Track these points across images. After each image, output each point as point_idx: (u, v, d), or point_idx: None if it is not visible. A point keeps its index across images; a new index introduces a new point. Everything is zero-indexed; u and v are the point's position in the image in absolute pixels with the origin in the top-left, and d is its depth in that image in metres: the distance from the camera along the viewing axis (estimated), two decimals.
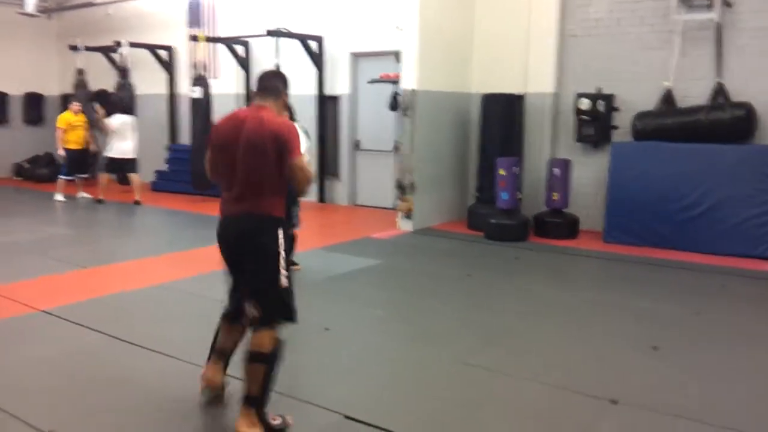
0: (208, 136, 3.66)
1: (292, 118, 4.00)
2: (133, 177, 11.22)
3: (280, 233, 3.37)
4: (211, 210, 10.51)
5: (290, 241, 3.46)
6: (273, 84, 3.54)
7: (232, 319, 3.72)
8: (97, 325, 4.98)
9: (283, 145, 3.26)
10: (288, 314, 3.43)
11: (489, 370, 4.31)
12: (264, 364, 3.32)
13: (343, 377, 4.19)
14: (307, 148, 3.53)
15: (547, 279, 6.87)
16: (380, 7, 10.35)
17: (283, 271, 3.35)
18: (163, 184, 12.82)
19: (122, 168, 11.36)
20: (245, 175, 3.34)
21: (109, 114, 11.16)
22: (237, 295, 3.61)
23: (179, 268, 6.88)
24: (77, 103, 11.51)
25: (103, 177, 11.24)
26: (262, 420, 3.34)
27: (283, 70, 10.45)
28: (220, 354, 3.78)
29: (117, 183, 12.01)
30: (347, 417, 3.59)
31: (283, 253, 3.37)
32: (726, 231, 7.58)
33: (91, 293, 5.90)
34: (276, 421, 3.39)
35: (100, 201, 11.01)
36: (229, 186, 3.43)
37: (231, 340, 3.77)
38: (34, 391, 3.96)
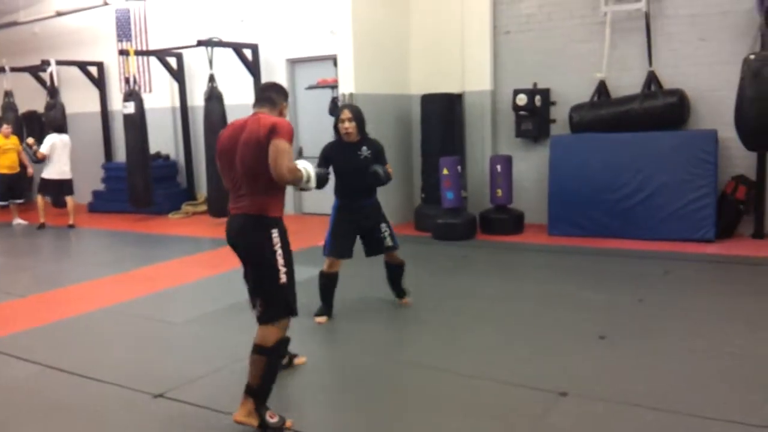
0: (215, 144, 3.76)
1: None
2: (69, 200, 10.82)
3: (274, 232, 3.48)
4: (153, 228, 10.39)
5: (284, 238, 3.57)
6: (267, 95, 3.68)
7: None
8: (36, 356, 4.76)
9: (272, 133, 3.38)
10: (289, 310, 3.57)
11: (438, 369, 4.27)
12: (265, 357, 3.46)
13: (295, 387, 4.08)
14: (305, 166, 3.61)
15: (494, 275, 6.88)
16: (314, 12, 10.27)
17: (281, 269, 3.48)
18: (100, 204, 12.44)
19: (61, 189, 10.89)
20: (243, 173, 3.48)
21: (41, 135, 10.76)
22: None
23: (122, 290, 6.65)
24: (7, 126, 11.08)
25: (40, 200, 10.79)
26: (259, 412, 3.43)
27: (218, 79, 10.40)
28: None
29: (52, 206, 11.54)
30: None
31: (280, 251, 3.48)
32: (666, 217, 7.72)
33: (29, 323, 5.64)
34: (273, 419, 3.44)
35: (42, 225, 10.56)
36: (233, 189, 3.60)
37: None
38: None
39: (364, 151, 5.21)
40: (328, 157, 5.21)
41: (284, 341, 3.61)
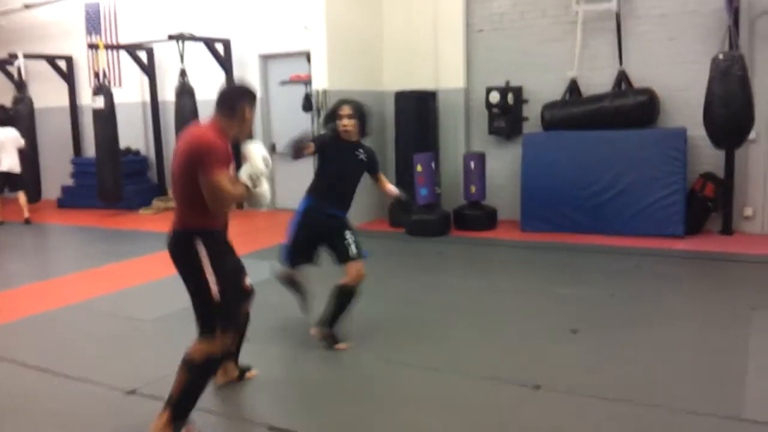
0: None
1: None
2: (20, 194, 10.59)
3: (199, 245, 3.28)
4: (122, 224, 10.25)
5: (220, 247, 3.37)
6: (227, 101, 3.41)
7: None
8: (2, 353, 4.67)
9: (197, 161, 3.19)
10: (223, 327, 3.34)
11: (412, 366, 4.28)
12: (187, 372, 3.28)
13: (267, 386, 4.06)
14: (252, 170, 3.37)
15: (467, 271, 6.91)
16: (288, 7, 10.20)
17: (212, 286, 3.28)
18: (69, 199, 12.23)
19: (10, 183, 10.66)
20: (174, 186, 3.40)
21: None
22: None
23: (89, 286, 6.55)
24: None
25: None
26: (173, 426, 3.23)
27: (190, 74, 10.28)
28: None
29: (8, 200, 11.26)
30: (271, 428, 3.48)
31: (209, 266, 3.27)
32: (637, 213, 7.83)
33: None
34: None
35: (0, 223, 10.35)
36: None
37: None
38: None
39: (361, 153, 4.69)
40: (322, 150, 4.64)
41: (214, 360, 3.36)
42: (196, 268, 3.28)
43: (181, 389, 3.26)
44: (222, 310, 3.33)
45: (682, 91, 7.94)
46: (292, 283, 4.92)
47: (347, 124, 4.58)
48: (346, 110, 4.61)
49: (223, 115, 3.39)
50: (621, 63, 8.17)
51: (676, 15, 7.95)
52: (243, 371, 4.07)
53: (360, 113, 4.63)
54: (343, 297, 4.61)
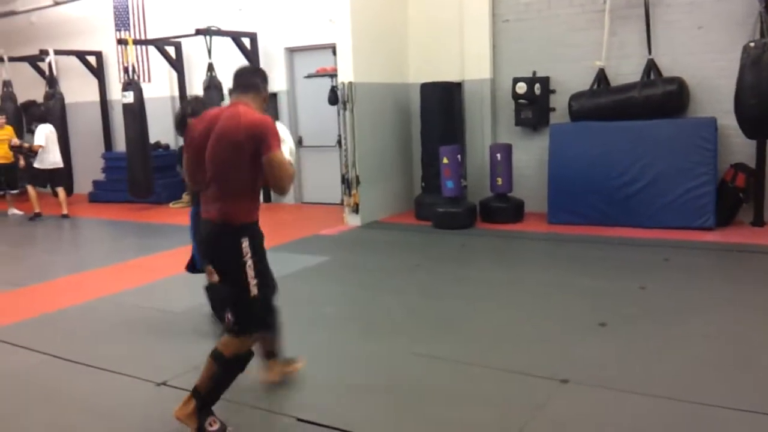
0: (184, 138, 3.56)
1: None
2: (60, 190, 10.81)
3: (245, 242, 3.23)
4: (153, 218, 10.39)
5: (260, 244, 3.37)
6: (251, 80, 3.42)
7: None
8: (36, 345, 4.78)
9: (259, 141, 3.13)
10: (259, 324, 3.37)
11: (439, 358, 4.29)
12: (218, 365, 3.28)
13: (295, 380, 4.10)
14: (289, 149, 3.48)
15: (494, 263, 6.90)
16: (313, 0, 10.22)
17: (251, 281, 3.24)
18: (100, 194, 12.44)
19: (52, 179, 10.89)
20: (216, 172, 3.25)
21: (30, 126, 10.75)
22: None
23: (121, 279, 6.67)
24: (1, 117, 11.04)
25: (32, 190, 10.69)
26: (199, 417, 3.26)
27: (217, 68, 10.39)
28: (263, 357, 3.86)
29: (52, 196, 11.50)
30: (300, 419, 3.52)
31: (250, 262, 3.24)
32: (666, 205, 7.73)
33: (28, 312, 5.66)
34: (213, 427, 3.28)
35: (38, 215, 10.54)
36: (206, 186, 3.34)
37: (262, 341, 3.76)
38: None
39: None
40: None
41: (244, 357, 3.34)
42: (238, 265, 3.22)
43: (209, 381, 3.28)
44: (255, 306, 3.31)
45: (712, 79, 7.81)
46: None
47: None
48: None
49: (251, 95, 3.37)
50: (650, 52, 8.06)
51: (705, 3, 7.81)
52: (288, 363, 4.01)
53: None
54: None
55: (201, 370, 3.35)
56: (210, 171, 3.27)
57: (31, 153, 10.59)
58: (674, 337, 4.50)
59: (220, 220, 3.25)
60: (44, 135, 10.51)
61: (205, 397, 3.28)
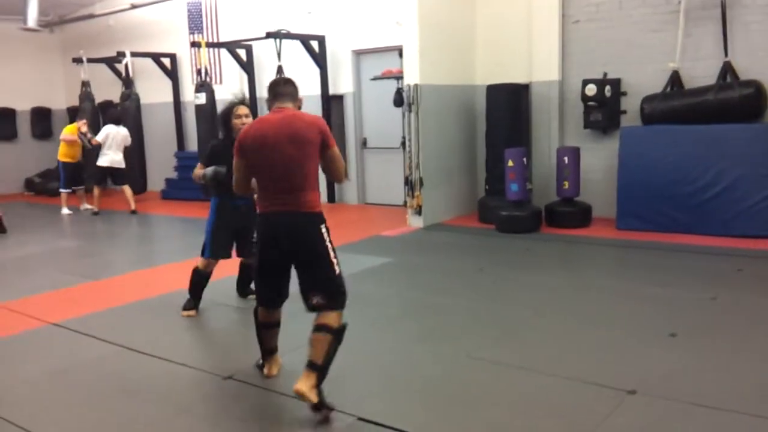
0: (234, 145, 3.78)
1: None
2: (125, 188, 11.24)
3: (323, 227, 3.64)
4: None
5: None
6: (289, 90, 3.76)
7: (270, 306, 3.94)
8: (109, 336, 4.98)
9: (326, 136, 3.61)
10: (345, 298, 3.68)
11: (502, 364, 4.25)
12: (330, 335, 3.56)
13: (356, 378, 4.14)
14: None
15: (559, 269, 6.79)
16: (380, 3, 10.29)
17: (334, 261, 3.64)
18: (172, 192, 12.85)
19: (110, 176, 11.32)
20: (291, 171, 3.57)
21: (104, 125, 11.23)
22: (274, 290, 3.85)
23: (187, 275, 6.84)
24: (84, 121, 11.54)
25: (96, 189, 11.17)
26: (319, 388, 3.50)
27: (286, 71, 10.56)
28: (269, 353, 4.11)
29: (114, 192, 11.93)
30: (360, 419, 3.55)
31: (330, 244, 3.64)
32: (740, 213, 7.45)
33: (102, 305, 5.90)
34: (328, 401, 3.54)
35: (96, 213, 11.00)
36: (267, 185, 3.65)
37: (270, 335, 4.05)
38: (46, 404, 3.95)
39: None
40: (220, 155, 5.05)
41: (345, 326, 3.67)
42: (323, 249, 3.60)
43: (325, 352, 3.53)
44: (342, 281, 3.67)
45: None
46: (202, 283, 5.58)
47: (246, 122, 4.95)
48: (243, 110, 5.13)
49: (292, 103, 3.73)
50: (726, 54, 7.78)
51: None
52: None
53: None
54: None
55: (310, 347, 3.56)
56: (287, 169, 3.56)
57: (90, 145, 11.05)
58: (747, 350, 4.33)
59: (306, 211, 3.60)
60: (105, 134, 10.99)
61: (323, 368, 3.52)
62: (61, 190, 11.52)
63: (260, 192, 3.72)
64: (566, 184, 8.43)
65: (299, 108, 3.76)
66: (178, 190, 12.72)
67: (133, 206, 11.08)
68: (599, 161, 8.81)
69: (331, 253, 3.63)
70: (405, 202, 9.30)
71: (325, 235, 3.63)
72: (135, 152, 11.78)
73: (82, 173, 11.83)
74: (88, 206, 11.60)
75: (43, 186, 14.44)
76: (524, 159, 8.44)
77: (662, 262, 6.70)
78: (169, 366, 4.41)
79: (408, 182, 9.03)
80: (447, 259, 7.31)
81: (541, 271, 6.69)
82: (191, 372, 4.29)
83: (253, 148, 3.61)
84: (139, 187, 12.29)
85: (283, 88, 3.75)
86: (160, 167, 13.27)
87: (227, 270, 6.97)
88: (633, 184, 8.00)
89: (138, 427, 3.63)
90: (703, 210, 7.64)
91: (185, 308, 5.48)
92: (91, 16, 14.08)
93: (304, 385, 3.47)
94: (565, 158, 8.41)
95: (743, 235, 7.36)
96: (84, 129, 11.23)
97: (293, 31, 10.74)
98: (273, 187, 3.62)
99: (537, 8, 9.04)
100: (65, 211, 11.34)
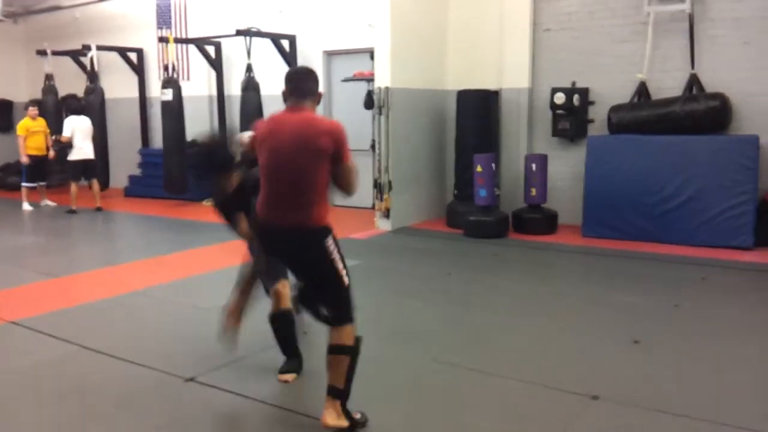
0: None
1: None
2: (94, 182, 10.94)
3: (329, 241, 3.33)
4: (187, 214, 10.48)
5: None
6: (308, 86, 3.40)
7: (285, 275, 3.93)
8: (68, 336, 4.84)
9: (340, 146, 3.24)
10: (353, 310, 3.44)
11: (467, 368, 4.24)
12: (347, 356, 3.35)
13: (320, 381, 4.07)
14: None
15: (526, 275, 6.82)
16: (352, 4, 10.26)
17: (342, 272, 3.36)
18: (136, 189, 12.61)
19: (85, 171, 10.99)
20: (297, 181, 3.25)
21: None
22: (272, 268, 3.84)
23: (154, 274, 6.74)
24: (33, 108, 11.24)
25: (74, 186, 10.78)
26: (346, 412, 3.35)
27: (256, 70, 10.47)
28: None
29: (88, 188, 11.65)
30: (327, 426, 3.48)
31: (338, 257, 3.35)
32: (704, 222, 7.57)
33: (62, 303, 5.74)
34: (357, 416, 3.40)
35: (73, 211, 10.68)
36: (272, 190, 3.33)
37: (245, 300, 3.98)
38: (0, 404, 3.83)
39: None
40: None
41: (360, 339, 3.44)
42: (329, 263, 3.32)
43: (345, 374, 3.34)
44: (350, 293, 3.41)
45: (756, 96, 7.65)
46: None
47: None
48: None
49: (309, 99, 3.38)
50: (693, 66, 7.92)
51: (752, 19, 7.65)
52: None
53: None
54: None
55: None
56: (292, 179, 3.25)
57: (61, 143, 10.75)
58: (709, 357, 4.39)
59: (310, 226, 3.30)
60: (71, 127, 10.59)
61: (345, 391, 3.35)
62: (24, 184, 11.20)
63: (261, 193, 3.39)
64: (534, 191, 8.48)
65: (318, 103, 3.44)
66: (143, 187, 12.49)
67: (98, 203, 10.81)
68: (566, 169, 8.89)
69: (339, 266, 3.33)
70: (373, 205, 9.27)
71: (331, 247, 3.32)
72: (97, 147, 11.51)
73: (46, 168, 11.51)
74: (50, 202, 11.32)
75: (2, 180, 14.06)
76: (493, 165, 8.47)
77: (627, 269, 6.77)
78: (128, 366, 4.30)
79: (377, 185, 9.00)
80: (415, 262, 7.30)
81: (509, 276, 6.72)
82: (150, 373, 4.19)
83: (262, 140, 3.35)
84: (102, 184, 12.02)
85: (302, 83, 3.38)
86: (124, 164, 13.02)
87: (194, 269, 6.88)
88: (599, 192, 8.09)
89: (99, 425, 3.53)
90: (668, 219, 7.75)
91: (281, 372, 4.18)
92: (57, 8, 13.76)
93: (330, 416, 3.32)
94: (533, 165, 8.47)
95: (706, 244, 7.48)
96: (34, 113, 10.96)
97: (264, 29, 10.64)
98: (275, 193, 3.31)
99: (509, 16, 9.09)
100: (26, 206, 11.04)
